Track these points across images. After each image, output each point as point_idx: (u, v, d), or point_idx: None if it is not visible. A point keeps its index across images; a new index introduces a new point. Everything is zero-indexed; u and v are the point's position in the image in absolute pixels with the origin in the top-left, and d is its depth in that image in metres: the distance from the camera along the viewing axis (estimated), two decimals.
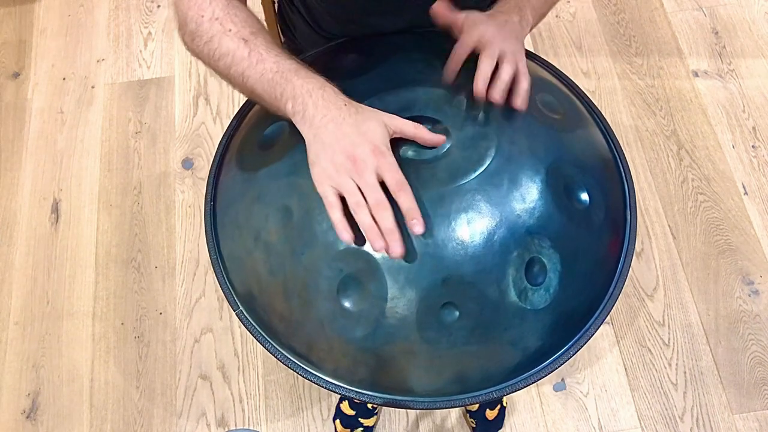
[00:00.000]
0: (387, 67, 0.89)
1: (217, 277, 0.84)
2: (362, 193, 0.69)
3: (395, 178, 0.69)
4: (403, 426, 1.55)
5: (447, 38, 0.97)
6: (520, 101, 0.81)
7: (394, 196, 0.69)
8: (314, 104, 0.72)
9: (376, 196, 0.68)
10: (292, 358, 0.79)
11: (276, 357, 0.79)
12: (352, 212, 0.69)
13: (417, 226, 0.69)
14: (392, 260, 0.72)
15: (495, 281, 0.73)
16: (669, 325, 1.64)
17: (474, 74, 0.80)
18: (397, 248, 0.68)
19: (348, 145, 0.70)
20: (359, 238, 0.70)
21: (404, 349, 0.74)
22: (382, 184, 0.70)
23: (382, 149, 0.70)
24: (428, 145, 0.76)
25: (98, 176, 1.86)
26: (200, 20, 0.78)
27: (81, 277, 1.73)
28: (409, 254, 0.71)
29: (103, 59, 2.05)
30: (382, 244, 0.68)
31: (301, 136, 0.75)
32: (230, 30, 0.77)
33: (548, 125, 0.84)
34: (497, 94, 0.79)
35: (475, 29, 0.82)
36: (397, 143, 0.79)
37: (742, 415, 1.54)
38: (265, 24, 0.84)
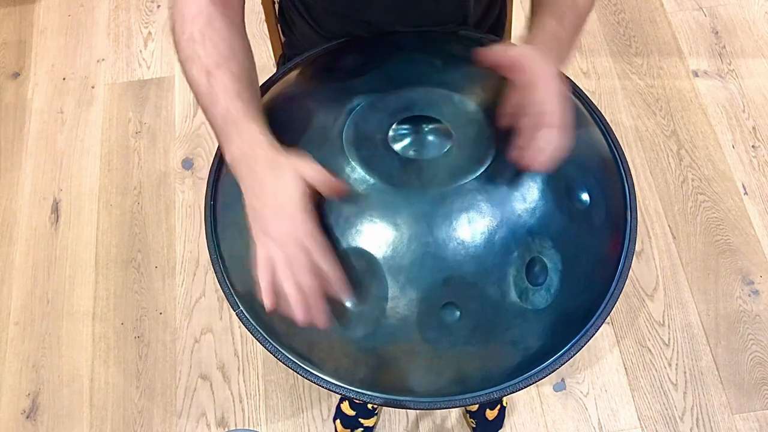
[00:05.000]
0: (388, 67, 0.89)
1: (217, 277, 0.84)
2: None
3: (326, 271, 0.69)
4: (403, 426, 1.55)
5: (448, 38, 0.97)
6: (543, 162, 0.71)
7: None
8: (240, 166, 0.72)
9: (302, 281, 0.68)
10: (292, 359, 0.79)
11: (276, 357, 0.79)
12: (280, 280, 0.69)
13: (343, 296, 0.70)
14: (393, 260, 0.72)
15: (496, 281, 0.73)
16: (669, 325, 1.64)
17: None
18: (322, 320, 0.69)
19: (273, 230, 0.69)
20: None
21: (405, 349, 0.74)
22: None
23: (308, 239, 0.68)
24: (329, 194, 0.72)
25: (98, 176, 1.86)
26: (180, 37, 0.78)
27: (81, 277, 1.73)
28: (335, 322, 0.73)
29: (103, 59, 2.05)
30: (305, 316, 0.68)
31: (302, 138, 0.77)
32: (199, 56, 0.76)
33: None
34: (541, 165, 0.71)
35: (537, 72, 0.72)
36: (399, 143, 0.79)
37: (742, 415, 1.54)
38: (243, 44, 0.81)
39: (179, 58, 0.79)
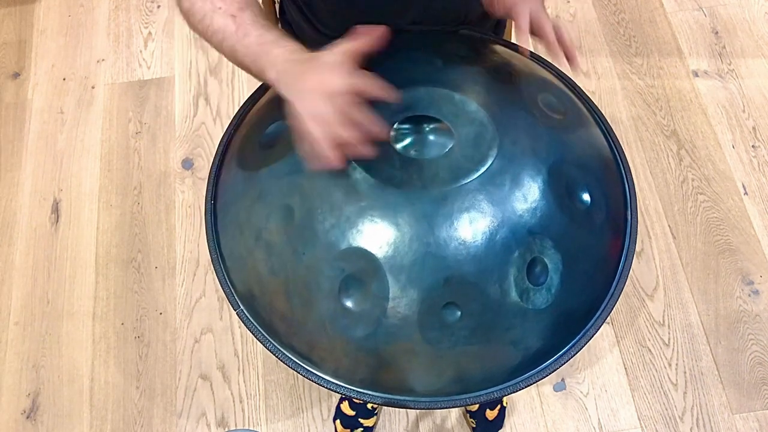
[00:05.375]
0: (389, 67, 0.89)
1: (217, 277, 0.84)
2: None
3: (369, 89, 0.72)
4: (403, 426, 1.55)
5: (449, 37, 0.97)
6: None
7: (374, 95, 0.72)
8: (288, 69, 0.76)
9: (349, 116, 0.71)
10: (293, 358, 0.79)
11: (277, 356, 0.79)
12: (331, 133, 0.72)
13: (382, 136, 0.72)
14: (395, 260, 0.72)
15: (497, 281, 0.73)
16: (669, 325, 1.64)
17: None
18: (368, 149, 0.71)
19: (317, 82, 0.72)
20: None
21: (405, 348, 0.74)
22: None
23: (345, 74, 0.72)
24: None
25: (98, 176, 1.86)
26: (193, 4, 0.83)
27: (81, 277, 1.73)
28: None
29: (103, 59, 2.05)
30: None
31: None
32: (220, 8, 0.81)
33: (550, 125, 0.84)
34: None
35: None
36: (400, 142, 0.79)
37: (742, 415, 1.54)
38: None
39: (194, 23, 0.84)
